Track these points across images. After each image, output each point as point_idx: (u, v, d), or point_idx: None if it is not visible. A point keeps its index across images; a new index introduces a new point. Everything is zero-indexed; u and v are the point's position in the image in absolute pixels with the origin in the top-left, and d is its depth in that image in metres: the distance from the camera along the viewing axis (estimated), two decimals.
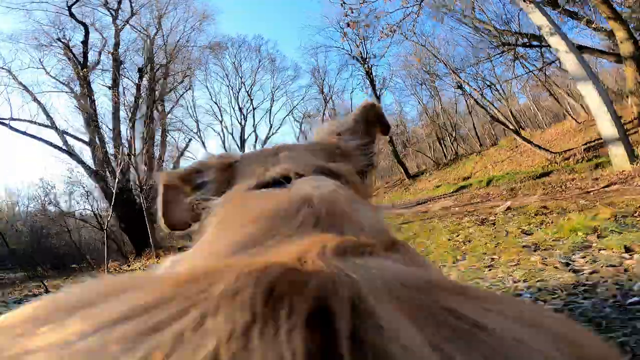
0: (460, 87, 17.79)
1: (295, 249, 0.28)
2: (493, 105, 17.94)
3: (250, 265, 0.21)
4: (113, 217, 11.00)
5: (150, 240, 10.69)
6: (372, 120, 0.79)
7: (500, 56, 15.32)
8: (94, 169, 13.58)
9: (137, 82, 15.90)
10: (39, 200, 14.92)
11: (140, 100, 15.43)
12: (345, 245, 0.29)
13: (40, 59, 14.98)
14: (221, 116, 30.27)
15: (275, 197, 0.50)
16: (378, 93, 26.31)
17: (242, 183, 0.63)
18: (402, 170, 23.63)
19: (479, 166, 16.66)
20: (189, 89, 20.49)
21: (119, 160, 10.95)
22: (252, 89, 30.81)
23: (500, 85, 19.23)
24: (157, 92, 16.51)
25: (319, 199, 0.44)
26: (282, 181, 0.58)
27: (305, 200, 0.44)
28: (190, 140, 18.74)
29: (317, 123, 33.37)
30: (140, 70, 16.02)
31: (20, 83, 14.29)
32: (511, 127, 15.59)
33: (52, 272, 11.59)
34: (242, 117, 30.36)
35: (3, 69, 14.19)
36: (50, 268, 12.18)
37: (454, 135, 24.56)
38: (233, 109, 32.01)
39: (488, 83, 19.10)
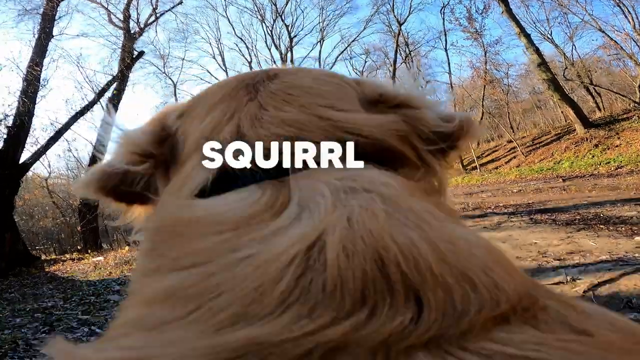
0: None
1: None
2: None
3: None
4: None
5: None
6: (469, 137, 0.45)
7: None
8: None
9: None
10: None
11: None
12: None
13: None
14: (250, 56, 24.62)
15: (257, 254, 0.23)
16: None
17: (184, 172, 0.35)
18: (573, 114, 12.91)
19: None
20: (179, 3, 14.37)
21: None
22: (292, 23, 23.86)
23: None
24: None
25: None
26: (264, 177, 0.30)
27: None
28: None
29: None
30: None
31: None
32: None
33: None
34: (282, 60, 23.67)
35: None
36: None
37: None
38: (269, 49, 25.11)
39: None
